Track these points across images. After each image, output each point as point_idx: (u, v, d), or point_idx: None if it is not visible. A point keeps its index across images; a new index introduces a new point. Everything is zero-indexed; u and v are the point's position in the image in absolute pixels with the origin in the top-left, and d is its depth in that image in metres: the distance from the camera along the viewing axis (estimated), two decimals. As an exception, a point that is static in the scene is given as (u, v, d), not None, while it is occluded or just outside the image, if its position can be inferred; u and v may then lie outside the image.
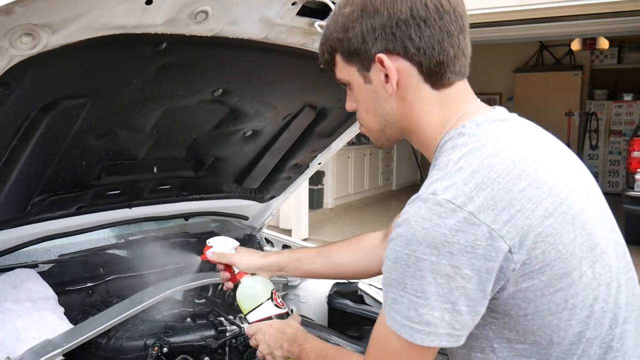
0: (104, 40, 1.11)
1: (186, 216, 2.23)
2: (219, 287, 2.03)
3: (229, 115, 1.72)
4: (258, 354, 1.33)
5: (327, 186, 7.81)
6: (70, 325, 1.54)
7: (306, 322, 1.87)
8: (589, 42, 8.81)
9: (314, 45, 1.49)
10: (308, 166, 2.27)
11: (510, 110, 1.02)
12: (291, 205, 6.39)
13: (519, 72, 10.29)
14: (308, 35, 1.47)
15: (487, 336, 0.92)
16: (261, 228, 2.51)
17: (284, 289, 2.26)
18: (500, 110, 0.99)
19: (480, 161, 0.87)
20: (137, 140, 1.63)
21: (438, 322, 0.84)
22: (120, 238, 2.08)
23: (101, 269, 1.87)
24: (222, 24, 1.25)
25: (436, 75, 0.94)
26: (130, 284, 1.84)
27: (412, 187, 9.44)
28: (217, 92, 1.56)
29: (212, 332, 1.65)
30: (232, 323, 1.69)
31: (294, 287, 2.27)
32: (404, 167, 9.99)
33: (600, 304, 0.91)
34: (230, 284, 1.48)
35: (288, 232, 6.41)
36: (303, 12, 1.36)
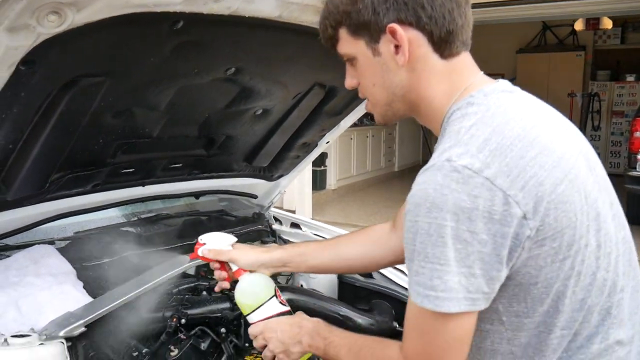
0: (124, 18, 1.13)
1: (197, 194, 2.27)
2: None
3: (240, 93, 1.75)
4: (267, 353, 1.24)
5: (330, 167, 7.86)
6: (90, 299, 1.58)
7: (317, 295, 1.92)
8: (593, 22, 8.76)
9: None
10: (317, 145, 2.30)
11: (513, 91, 1.04)
12: (295, 186, 6.43)
13: (521, 53, 10.25)
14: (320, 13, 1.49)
15: (496, 309, 0.94)
16: (269, 206, 2.55)
17: None
18: (504, 82, 1.01)
19: (492, 129, 0.89)
20: (152, 118, 1.66)
21: (457, 286, 0.85)
22: (134, 216, 2.12)
23: (117, 246, 1.91)
24: (239, 2, 1.26)
25: (445, 44, 0.96)
26: (145, 260, 1.88)
27: (415, 168, 9.45)
28: (230, 70, 1.59)
29: (227, 305, 1.69)
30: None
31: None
32: (406, 148, 10.02)
33: (601, 272, 0.94)
34: (225, 284, 1.39)
35: (292, 213, 6.45)
36: (316, -11, 1.38)
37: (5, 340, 1.29)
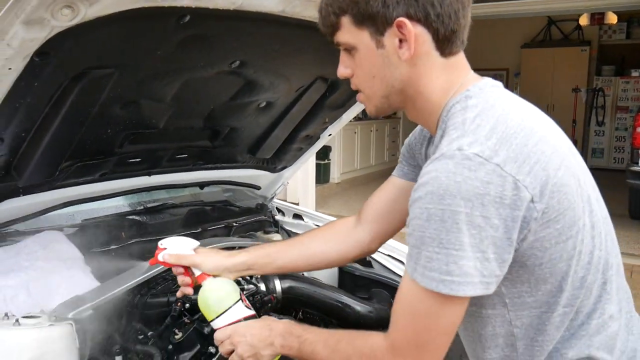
0: (133, 12, 1.18)
1: (201, 185, 2.32)
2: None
3: (244, 86, 1.80)
4: (234, 357, 1.20)
5: (333, 161, 7.90)
6: (98, 283, 1.64)
7: (318, 283, 1.97)
8: (598, 17, 8.73)
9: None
10: (319, 137, 2.35)
11: (518, 86, 1.09)
12: (298, 179, 6.47)
13: (526, 48, 10.22)
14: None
15: (498, 292, 0.96)
16: (272, 198, 2.60)
17: None
18: (490, 79, 1.06)
19: (495, 119, 0.93)
20: (158, 110, 1.71)
21: (473, 271, 0.88)
22: (140, 205, 2.18)
23: (123, 233, 1.97)
24: (243, -3, 1.31)
25: (448, 43, 0.99)
26: (151, 247, 1.93)
27: (418, 163, 9.47)
28: (235, 64, 1.63)
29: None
30: (248, 282, 1.78)
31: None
32: (409, 142, 10.00)
33: (597, 251, 1.00)
34: (189, 290, 1.34)
35: (295, 205, 6.50)
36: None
37: (17, 320, 1.35)
